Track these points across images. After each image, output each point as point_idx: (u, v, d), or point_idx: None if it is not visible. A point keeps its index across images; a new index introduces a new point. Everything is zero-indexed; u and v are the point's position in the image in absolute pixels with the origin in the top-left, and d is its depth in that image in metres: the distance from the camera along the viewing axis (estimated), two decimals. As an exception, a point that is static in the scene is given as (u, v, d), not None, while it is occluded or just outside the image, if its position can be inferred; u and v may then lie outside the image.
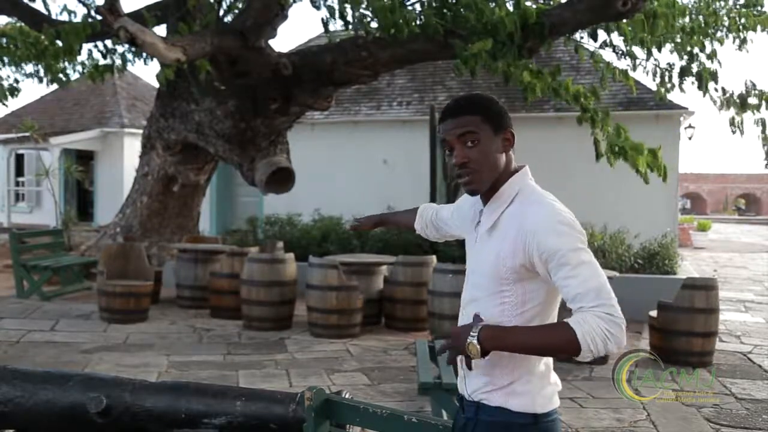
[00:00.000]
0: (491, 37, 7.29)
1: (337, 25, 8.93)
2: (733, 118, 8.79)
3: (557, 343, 1.69)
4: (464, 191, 1.92)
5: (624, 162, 7.87)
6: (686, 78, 8.91)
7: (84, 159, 19.32)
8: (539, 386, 1.82)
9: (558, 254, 1.71)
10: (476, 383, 1.86)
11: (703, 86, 8.57)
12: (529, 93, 7.45)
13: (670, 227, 11.58)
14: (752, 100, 8.78)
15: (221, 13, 10.57)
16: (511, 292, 1.80)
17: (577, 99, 8.39)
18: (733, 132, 8.90)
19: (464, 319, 1.89)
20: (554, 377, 1.88)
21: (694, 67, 8.86)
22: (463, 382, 1.91)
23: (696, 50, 8.91)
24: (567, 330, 1.66)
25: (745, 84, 8.87)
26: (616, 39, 9.18)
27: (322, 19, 8.92)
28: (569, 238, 1.74)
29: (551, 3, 8.96)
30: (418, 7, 8.82)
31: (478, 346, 1.71)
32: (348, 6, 8.15)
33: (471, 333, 1.72)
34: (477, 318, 1.82)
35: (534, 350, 1.75)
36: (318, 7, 9.36)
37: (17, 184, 19.92)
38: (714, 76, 8.59)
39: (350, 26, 8.45)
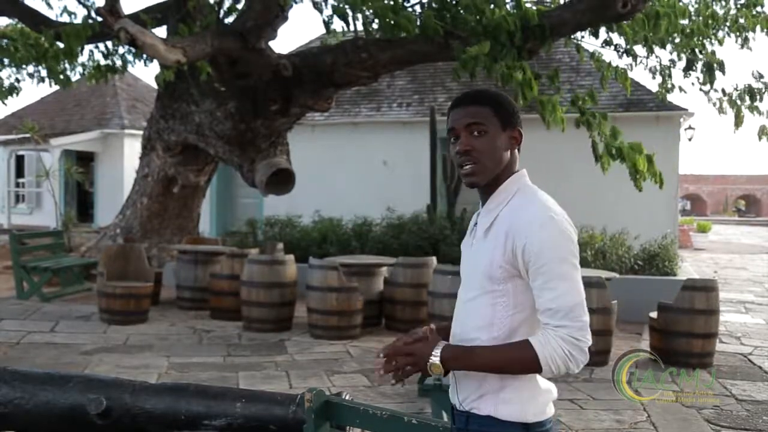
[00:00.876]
0: (492, 38, 7.29)
1: (339, 26, 8.96)
2: (737, 113, 8.80)
3: (518, 363, 1.70)
4: (464, 183, 1.88)
5: (621, 164, 7.86)
6: (691, 72, 8.92)
7: (84, 160, 19.35)
8: (530, 394, 1.77)
9: (539, 261, 1.69)
10: (467, 390, 1.81)
11: (711, 78, 8.57)
12: (526, 91, 7.43)
13: (670, 228, 11.58)
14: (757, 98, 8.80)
15: (221, 14, 10.59)
16: (503, 293, 1.76)
17: (575, 103, 8.40)
18: (736, 126, 8.89)
19: (458, 321, 1.87)
20: (548, 384, 1.84)
21: (698, 65, 8.86)
22: (454, 391, 1.87)
23: (696, 50, 8.93)
24: (529, 350, 1.67)
25: (752, 74, 8.89)
26: (617, 38, 9.20)
27: (324, 20, 8.94)
28: (555, 246, 1.70)
29: (550, 4, 8.98)
30: (418, 8, 8.83)
31: (441, 367, 1.72)
32: (348, 8, 8.15)
33: (433, 352, 1.73)
34: (434, 333, 1.83)
35: (495, 369, 1.73)
36: (321, 10, 9.38)
37: (17, 185, 19.95)
38: (721, 66, 8.59)
39: (351, 28, 8.46)
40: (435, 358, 1.72)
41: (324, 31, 9.45)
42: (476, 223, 1.90)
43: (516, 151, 1.87)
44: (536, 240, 1.69)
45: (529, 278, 1.71)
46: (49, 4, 10.84)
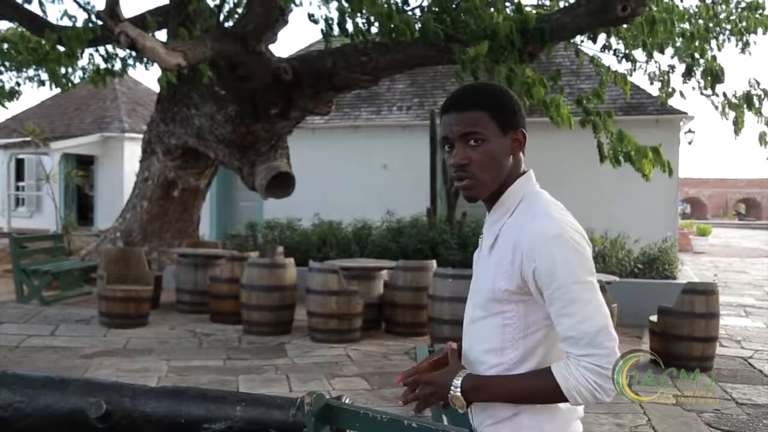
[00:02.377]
0: (491, 41, 7.31)
1: (336, 33, 8.99)
2: (737, 119, 8.82)
3: (542, 394, 1.57)
4: (462, 196, 1.71)
5: (628, 165, 7.87)
6: (690, 78, 8.93)
7: (84, 163, 19.38)
8: (549, 417, 1.63)
9: (552, 284, 1.52)
10: (480, 416, 1.69)
11: (711, 84, 8.59)
12: (534, 92, 7.42)
13: (670, 232, 11.59)
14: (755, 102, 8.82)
15: (222, 17, 10.60)
16: (512, 313, 1.61)
17: (580, 102, 8.42)
18: (736, 133, 8.91)
19: (467, 341, 1.74)
20: (568, 404, 1.65)
21: (698, 70, 8.89)
22: (470, 415, 1.75)
23: (696, 55, 8.95)
24: (551, 381, 1.53)
25: (749, 82, 8.92)
26: (616, 43, 9.23)
27: (322, 31, 8.99)
28: (567, 265, 1.52)
29: (548, 7, 9.00)
30: (418, 12, 8.86)
31: (463, 399, 1.61)
32: (347, 16, 8.18)
33: (454, 383, 1.62)
34: (455, 359, 1.72)
35: (519, 401, 1.61)
36: (316, 22, 9.43)
37: (17, 188, 19.96)
38: (721, 72, 8.62)
39: (349, 36, 8.48)
40: (456, 390, 1.61)
41: (323, 40, 9.49)
42: (482, 233, 1.76)
43: (520, 153, 1.68)
44: (546, 261, 1.53)
45: (545, 302, 1.56)
46: (44, 11, 10.87)
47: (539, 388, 1.57)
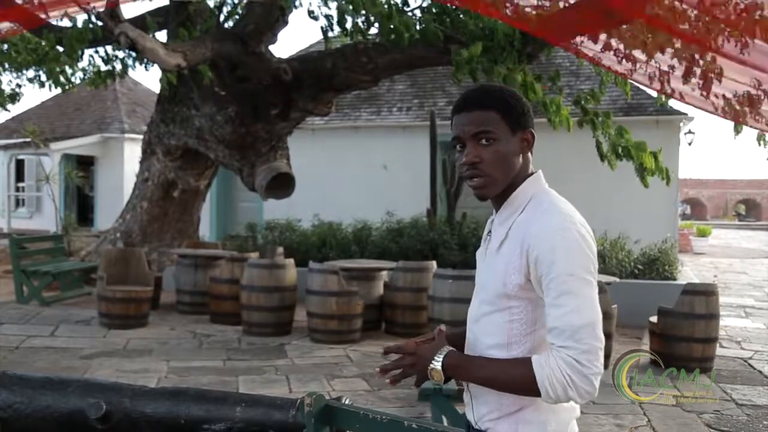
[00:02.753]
0: (490, 41, 7.31)
1: (335, 32, 8.99)
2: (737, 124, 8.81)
3: (518, 382, 1.58)
4: (474, 195, 1.74)
5: (628, 162, 7.86)
6: (690, 79, 8.92)
7: (84, 164, 19.39)
8: (552, 412, 1.64)
9: (550, 273, 1.55)
10: (482, 410, 1.71)
11: (707, 84, 8.58)
12: (530, 92, 7.40)
13: (670, 233, 11.59)
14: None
15: (222, 18, 10.60)
16: (520, 308, 1.64)
17: (578, 103, 8.42)
18: (737, 132, 8.88)
19: (473, 336, 1.76)
20: (570, 403, 1.68)
21: (697, 71, 8.87)
22: (469, 409, 1.77)
23: (696, 56, 8.94)
24: (528, 370, 1.55)
25: (751, 83, 8.91)
26: (617, 43, 9.21)
27: (322, 28, 8.97)
28: (567, 258, 1.55)
29: (549, 9, 8.99)
30: (418, 12, 8.85)
31: (441, 373, 1.66)
32: (346, 15, 8.18)
33: (435, 358, 1.66)
34: (442, 337, 1.75)
35: (496, 386, 1.63)
36: (316, 18, 9.44)
37: (17, 189, 19.96)
38: (719, 74, 8.61)
39: (348, 34, 8.48)
40: (436, 364, 1.65)
41: (323, 38, 9.47)
42: (490, 231, 1.78)
43: (528, 153, 1.73)
44: (548, 251, 1.56)
45: (544, 293, 1.59)
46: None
47: (516, 375, 1.59)
